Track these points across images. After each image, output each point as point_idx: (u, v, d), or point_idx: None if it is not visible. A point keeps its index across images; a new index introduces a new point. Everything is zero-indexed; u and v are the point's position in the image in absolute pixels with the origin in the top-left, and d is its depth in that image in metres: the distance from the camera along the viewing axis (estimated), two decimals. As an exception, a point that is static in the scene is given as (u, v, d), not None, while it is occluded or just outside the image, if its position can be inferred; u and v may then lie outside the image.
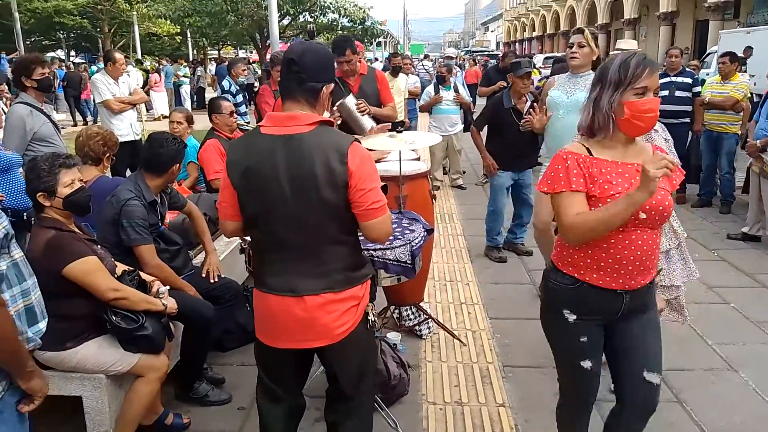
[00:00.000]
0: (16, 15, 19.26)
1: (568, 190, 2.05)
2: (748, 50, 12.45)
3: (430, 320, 3.99)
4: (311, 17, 23.07)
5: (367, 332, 2.22)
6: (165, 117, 16.39)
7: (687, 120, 6.77)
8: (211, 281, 3.46)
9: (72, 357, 2.67)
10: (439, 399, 3.31)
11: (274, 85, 5.82)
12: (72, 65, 21.56)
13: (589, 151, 2.11)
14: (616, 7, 33.33)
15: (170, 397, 3.27)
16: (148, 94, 14.40)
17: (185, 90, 18.88)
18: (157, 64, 20.60)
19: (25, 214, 3.54)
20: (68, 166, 2.65)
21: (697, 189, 7.23)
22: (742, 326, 4.17)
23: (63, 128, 4.84)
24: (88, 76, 17.26)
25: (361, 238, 2.15)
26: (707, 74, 12.07)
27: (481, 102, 8.74)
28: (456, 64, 8.71)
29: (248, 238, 2.83)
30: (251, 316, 3.82)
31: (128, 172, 6.01)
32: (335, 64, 2.16)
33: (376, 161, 3.67)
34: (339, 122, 4.14)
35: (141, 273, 2.94)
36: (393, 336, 3.69)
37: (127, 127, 6.30)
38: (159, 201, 3.23)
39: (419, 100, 8.80)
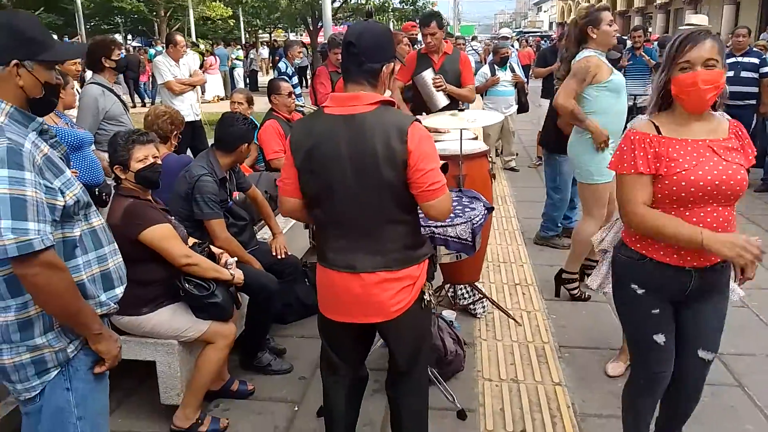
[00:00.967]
0: (78, 0, 19.87)
1: (635, 173, 2.08)
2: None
3: (484, 300, 4.02)
4: (363, -1, 23.06)
5: (423, 311, 2.25)
6: (220, 99, 16.76)
7: (753, 102, 6.53)
8: (279, 258, 3.58)
9: (147, 322, 2.82)
10: (494, 376, 3.35)
11: (331, 67, 5.89)
12: (131, 49, 22.14)
13: (658, 130, 2.10)
14: (676, -14, 32.14)
15: (235, 366, 3.41)
16: (204, 76, 14.67)
17: (239, 73, 19.20)
18: (211, 47, 20.97)
19: (97, 189, 3.71)
20: (142, 143, 2.79)
21: (761, 173, 7.00)
22: (808, 313, 4.06)
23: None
24: (147, 59, 17.77)
25: (421, 215, 2.20)
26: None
27: (535, 84, 8.62)
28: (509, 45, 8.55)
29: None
30: (310, 290, 4.01)
31: (188, 152, 6.20)
32: (393, 42, 2.16)
33: (435, 141, 3.71)
34: (444, 88, 4.13)
35: (210, 246, 3.07)
36: (448, 314, 3.74)
37: (188, 108, 6.48)
38: (228, 178, 3.35)
39: None
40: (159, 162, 2.84)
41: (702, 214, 2.05)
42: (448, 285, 4.04)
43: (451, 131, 3.98)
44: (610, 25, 3.82)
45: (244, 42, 26.90)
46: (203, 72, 15.29)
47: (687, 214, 2.05)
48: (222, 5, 24.23)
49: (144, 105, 17.28)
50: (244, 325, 3.34)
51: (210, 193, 3.13)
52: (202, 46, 20.82)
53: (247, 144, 3.36)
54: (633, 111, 6.63)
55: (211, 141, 3.51)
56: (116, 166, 2.79)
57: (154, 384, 2.99)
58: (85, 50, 4.10)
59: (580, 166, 3.97)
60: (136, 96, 17.77)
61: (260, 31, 33.87)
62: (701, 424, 2.83)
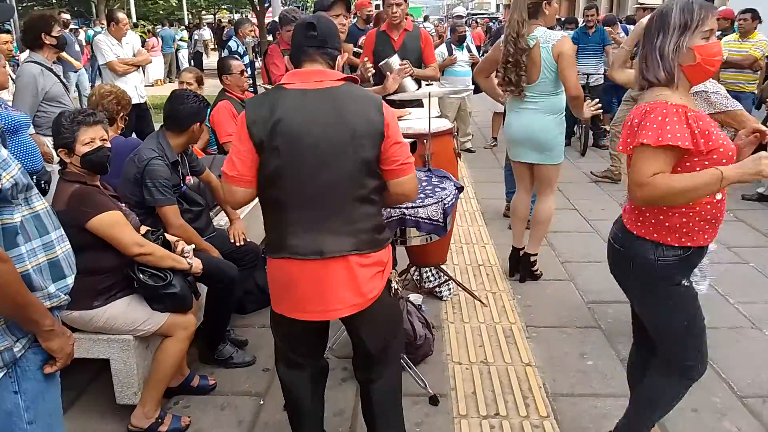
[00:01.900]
0: (9, -22, 18.79)
1: (680, 146, 1.86)
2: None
3: (450, 282, 3.96)
4: (310, -22, 22.60)
5: (392, 298, 2.18)
6: (160, 82, 16.18)
7: (703, 80, 6.66)
8: (237, 245, 3.42)
9: (100, 316, 2.63)
10: (464, 359, 3.30)
11: (282, 45, 5.67)
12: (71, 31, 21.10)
13: None
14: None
15: (194, 360, 3.25)
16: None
17: (183, 54, 18.56)
18: (153, 28, 20.20)
19: (35, 177, 3.45)
20: (88, 124, 2.58)
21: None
22: (763, 285, 4.16)
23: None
24: (85, 41, 16.95)
25: None
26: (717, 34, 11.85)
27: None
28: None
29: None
30: (271, 277, 3.85)
31: (133, 136, 5.91)
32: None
33: (400, 119, 3.60)
34: (411, 73, 4.04)
35: (165, 234, 2.88)
36: (415, 297, 3.66)
37: (132, 90, 6.15)
38: (180, 161, 3.16)
39: None
40: (107, 145, 2.63)
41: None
42: (414, 268, 3.96)
43: (415, 111, 3.88)
44: (557, 3, 3.89)
45: (187, 23, 26.06)
46: (146, 54, 14.77)
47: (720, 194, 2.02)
48: (164, -16, 23.39)
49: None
50: (203, 316, 3.18)
51: (161, 178, 2.93)
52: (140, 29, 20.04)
53: (200, 123, 3.16)
54: (585, 89, 6.67)
55: (158, 125, 3.28)
56: (60, 149, 2.58)
57: (109, 380, 2.80)
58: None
59: (554, 148, 3.94)
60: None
61: (204, 12, 32.89)
62: (671, 399, 2.85)
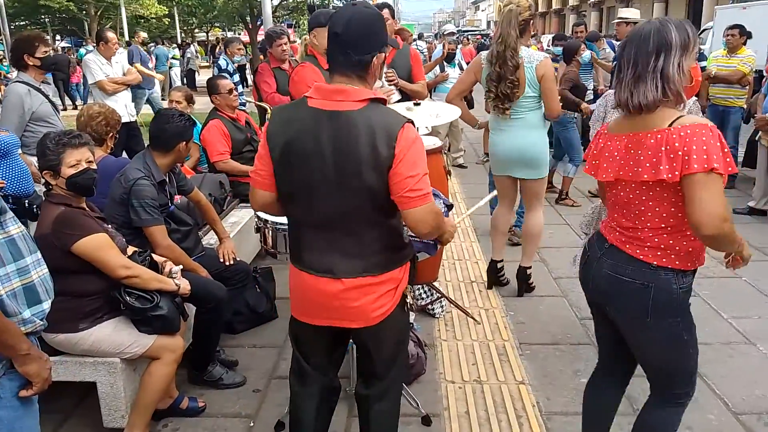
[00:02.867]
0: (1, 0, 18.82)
1: (725, 173, 1.80)
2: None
3: (442, 299, 3.93)
4: (303, -5, 22.76)
5: (404, 315, 2.16)
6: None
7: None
8: (227, 264, 3.39)
9: (86, 339, 2.59)
10: (457, 377, 3.26)
11: (273, 63, 5.69)
12: (60, 49, 21.18)
13: None
14: (608, -16, 33.16)
15: (183, 381, 3.20)
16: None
17: (176, 72, 18.58)
18: (147, 47, 20.21)
19: (27, 201, 3.41)
20: (74, 146, 2.55)
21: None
22: (757, 300, 4.14)
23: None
24: (77, 60, 16.98)
25: None
26: (703, 50, 11.99)
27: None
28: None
29: (264, 217, 2.76)
30: (261, 297, 3.82)
31: (124, 155, 5.88)
32: (384, 27, 1.96)
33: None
34: (396, 83, 4.03)
35: (152, 255, 2.85)
36: (407, 315, 3.63)
37: (122, 109, 6.12)
38: (168, 180, 3.13)
39: None
40: (93, 167, 2.61)
41: None
42: (407, 286, 3.92)
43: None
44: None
45: (180, 41, 26.16)
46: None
47: None
48: (156, 3, 23.50)
49: (75, 107, 16.51)
50: (192, 337, 3.13)
51: (148, 198, 2.91)
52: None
53: (185, 142, 3.14)
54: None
55: (147, 143, 3.26)
56: (46, 171, 2.55)
57: (96, 403, 2.75)
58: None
59: (542, 164, 4.00)
60: (66, 98, 16.95)
61: (197, 30, 33.03)
62: (665, 417, 2.82)
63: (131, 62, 10.29)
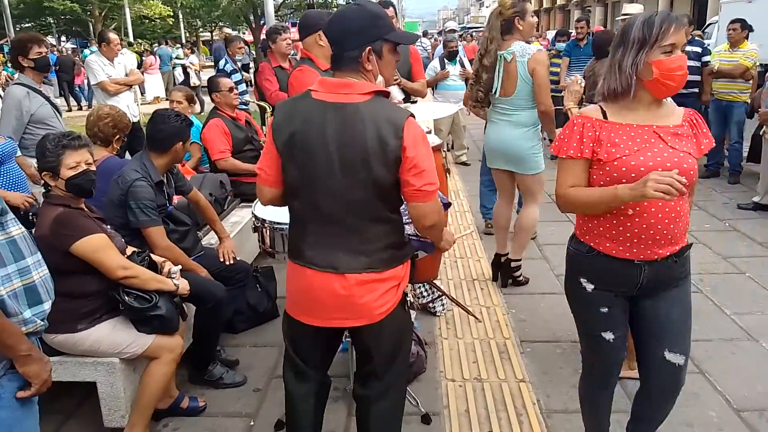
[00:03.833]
0: (6, 1, 18.90)
1: (573, 157, 2.04)
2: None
3: (443, 297, 3.92)
4: (306, -6, 22.75)
5: (404, 314, 2.15)
6: (160, 99, 16.23)
7: (696, 90, 6.67)
8: (228, 263, 3.39)
9: (85, 339, 2.60)
10: (457, 376, 3.25)
11: (274, 62, 5.68)
12: (64, 50, 21.27)
13: (605, 115, 2.03)
14: (612, -21, 33.00)
15: (183, 381, 3.21)
16: (143, 77, 14.13)
17: (179, 73, 18.61)
18: (150, 47, 20.30)
19: (23, 211, 3.39)
20: (74, 148, 2.56)
21: (704, 159, 7.16)
22: (760, 296, 4.11)
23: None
24: (81, 61, 17.04)
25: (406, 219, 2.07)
26: (708, 45, 11.92)
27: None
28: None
29: (262, 217, 2.76)
30: (262, 296, 3.82)
31: (127, 155, 5.89)
32: (376, 21, 1.95)
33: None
34: (398, 81, 4.07)
35: (151, 254, 2.86)
36: (407, 313, 3.62)
37: (125, 109, 6.10)
38: (165, 181, 3.14)
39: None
40: (93, 169, 2.62)
41: (647, 204, 1.96)
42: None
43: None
44: (533, 17, 3.92)
45: (184, 41, 26.22)
46: (142, 72, 14.83)
47: (636, 205, 1.97)
48: (161, 4, 23.54)
49: (80, 108, 16.58)
50: (192, 336, 3.14)
51: (145, 199, 2.91)
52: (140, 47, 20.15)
53: (182, 142, 3.14)
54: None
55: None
56: (45, 172, 2.56)
57: (96, 404, 2.76)
58: None
59: (526, 160, 4.03)
60: (71, 99, 17.02)
61: (201, 30, 33.08)
62: (666, 413, 2.81)
63: (217, 59, 10.17)
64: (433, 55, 9.78)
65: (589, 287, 2.14)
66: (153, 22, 27.49)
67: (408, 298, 2.15)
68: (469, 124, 8.63)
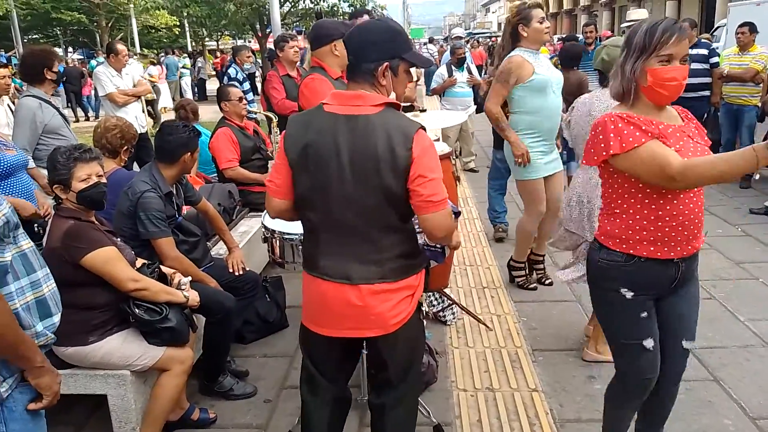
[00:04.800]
0: (14, 12, 19.06)
1: (645, 141, 1.90)
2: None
3: (454, 306, 3.90)
4: (312, 2, 22.78)
5: (419, 323, 2.16)
6: (167, 110, 16.30)
7: (705, 93, 6.62)
8: (237, 274, 3.39)
9: (96, 352, 2.60)
10: (469, 385, 3.23)
11: (282, 70, 5.69)
12: (70, 61, 21.42)
13: None
14: (619, -17, 32.96)
15: (194, 392, 3.20)
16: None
17: (186, 82, 18.73)
18: (157, 57, 20.42)
19: (35, 224, 3.39)
20: (85, 160, 2.57)
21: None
22: (774, 301, 4.07)
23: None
24: (88, 72, 17.15)
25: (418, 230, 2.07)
26: (717, 48, 11.86)
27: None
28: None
29: (272, 227, 2.76)
30: (271, 306, 3.81)
31: (135, 166, 5.92)
32: (397, 38, 1.99)
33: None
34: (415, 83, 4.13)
35: (161, 266, 2.86)
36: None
37: (133, 120, 6.15)
38: (175, 192, 3.14)
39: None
40: (104, 181, 2.62)
41: (681, 199, 1.99)
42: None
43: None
44: (541, 23, 3.88)
45: (190, 50, 26.37)
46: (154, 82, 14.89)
47: (669, 204, 1.99)
48: (167, 14, 23.66)
49: (87, 119, 16.67)
50: (202, 348, 3.13)
51: (155, 210, 2.92)
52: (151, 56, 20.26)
53: (191, 153, 3.15)
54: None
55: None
56: (56, 185, 2.57)
57: (107, 416, 2.76)
58: None
59: (514, 164, 4.08)
60: (79, 110, 17.12)
61: (207, 39, 33.24)
62: (681, 421, 2.78)
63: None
64: (440, 61, 9.77)
65: (629, 294, 2.12)
66: (159, 32, 27.64)
67: (423, 308, 2.14)
68: (477, 131, 8.62)
